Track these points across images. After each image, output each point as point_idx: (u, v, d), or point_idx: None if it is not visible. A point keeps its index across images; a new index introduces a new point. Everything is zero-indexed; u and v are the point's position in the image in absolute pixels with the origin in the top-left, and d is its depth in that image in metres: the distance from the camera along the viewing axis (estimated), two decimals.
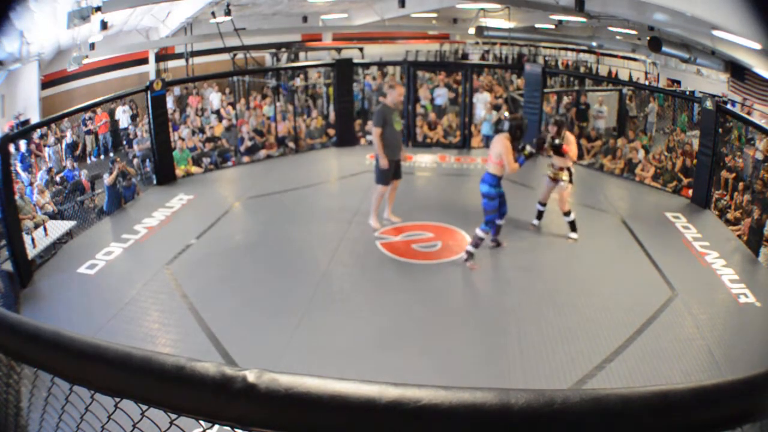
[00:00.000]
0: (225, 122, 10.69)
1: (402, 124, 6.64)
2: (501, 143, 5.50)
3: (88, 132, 10.22)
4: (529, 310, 5.12)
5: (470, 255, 5.83)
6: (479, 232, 5.69)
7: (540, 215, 6.79)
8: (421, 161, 9.03)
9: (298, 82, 12.04)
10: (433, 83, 12.21)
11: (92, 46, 10.08)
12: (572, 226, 6.51)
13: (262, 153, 9.76)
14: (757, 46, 8.18)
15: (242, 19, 12.13)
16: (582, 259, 6.13)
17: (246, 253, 6.21)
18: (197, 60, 13.63)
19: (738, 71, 10.59)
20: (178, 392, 0.83)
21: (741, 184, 7.77)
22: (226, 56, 13.07)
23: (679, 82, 13.13)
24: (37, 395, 1.29)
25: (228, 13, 10.37)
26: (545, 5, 10.93)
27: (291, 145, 10.07)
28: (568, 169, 6.33)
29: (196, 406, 0.82)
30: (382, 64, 12.65)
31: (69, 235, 6.79)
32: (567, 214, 6.46)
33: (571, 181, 6.36)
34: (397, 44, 16.72)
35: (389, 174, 6.41)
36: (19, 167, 8.30)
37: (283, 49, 14.81)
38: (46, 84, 10.56)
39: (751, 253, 6.33)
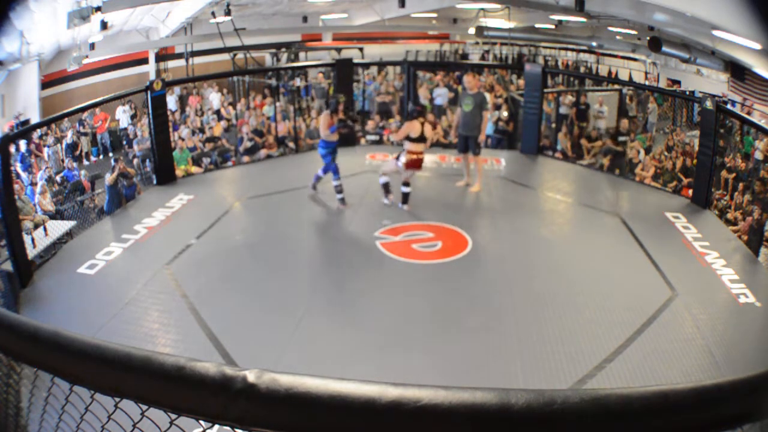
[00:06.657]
0: (224, 123, 10.69)
1: (471, 107, 7.49)
2: (322, 117, 6.98)
3: (85, 133, 10.20)
4: (529, 310, 5.11)
5: (314, 186, 7.39)
6: (318, 172, 7.30)
7: (404, 197, 7.05)
8: None
9: (299, 82, 12.03)
10: (433, 83, 12.19)
11: (92, 46, 10.08)
12: (385, 188, 7.12)
13: (262, 153, 9.76)
14: (757, 46, 8.18)
15: (242, 19, 12.12)
16: (582, 259, 6.12)
17: (246, 253, 6.21)
18: (197, 60, 13.61)
19: (738, 71, 10.58)
20: (178, 392, 0.83)
21: (741, 185, 7.76)
22: (226, 56, 13.06)
23: (679, 82, 13.11)
24: (37, 395, 1.29)
25: (228, 13, 10.37)
26: (545, 5, 10.93)
27: (291, 145, 10.07)
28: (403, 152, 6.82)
29: (196, 406, 0.82)
30: (382, 64, 12.64)
31: (69, 235, 6.79)
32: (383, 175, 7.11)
33: (398, 159, 6.87)
34: (397, 44, 16.70)
35: (458, 145, 7.94)
36: (19, 167, 8.29)
37: (283, 49, 14.80)
38: (46, 84, 10.55)
39: (751, 253, 6.33)
